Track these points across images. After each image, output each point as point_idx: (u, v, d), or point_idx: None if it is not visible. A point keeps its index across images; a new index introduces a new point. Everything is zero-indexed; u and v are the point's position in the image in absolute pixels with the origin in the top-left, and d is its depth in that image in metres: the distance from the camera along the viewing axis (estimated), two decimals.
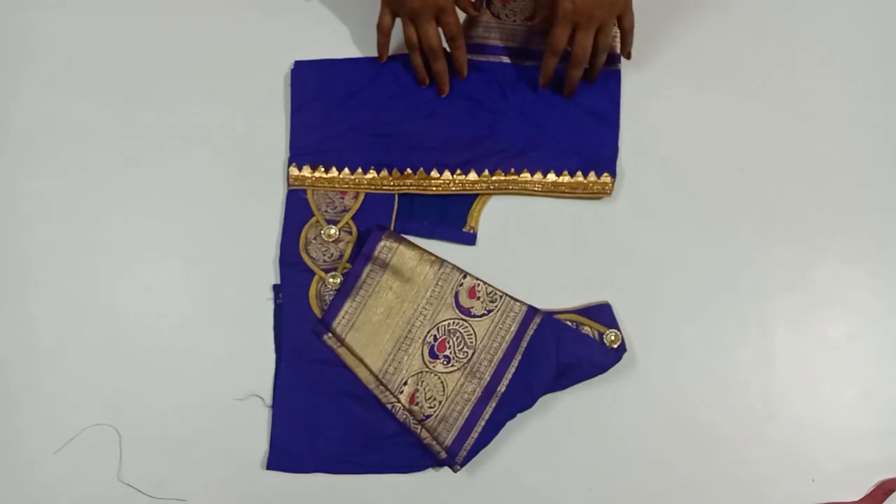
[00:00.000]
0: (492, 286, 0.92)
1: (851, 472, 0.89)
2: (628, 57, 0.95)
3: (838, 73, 0.99)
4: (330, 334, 0.92)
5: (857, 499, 0.88)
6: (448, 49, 0.96)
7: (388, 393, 0.90)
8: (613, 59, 0.98)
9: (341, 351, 0.92)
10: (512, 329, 0.90)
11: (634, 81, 0.98)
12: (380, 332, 0.91)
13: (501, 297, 0.92)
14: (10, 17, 1.02)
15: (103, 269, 0.95)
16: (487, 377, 0.89)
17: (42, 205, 0.96)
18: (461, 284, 0.92)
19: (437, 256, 0.93)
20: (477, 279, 0.92)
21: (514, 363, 0.89)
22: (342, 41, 1.00)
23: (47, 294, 0.94)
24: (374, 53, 0.98)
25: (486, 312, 0.91)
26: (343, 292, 0.92)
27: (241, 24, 1.01)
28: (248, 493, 0.90)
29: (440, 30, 0.93)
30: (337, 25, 1.01)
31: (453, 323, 0.91)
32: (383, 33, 0.95)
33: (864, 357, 0.92)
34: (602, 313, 0.92)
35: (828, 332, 0.92)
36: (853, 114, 0.98)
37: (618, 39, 0.95)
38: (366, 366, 0.91)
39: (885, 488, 0.87)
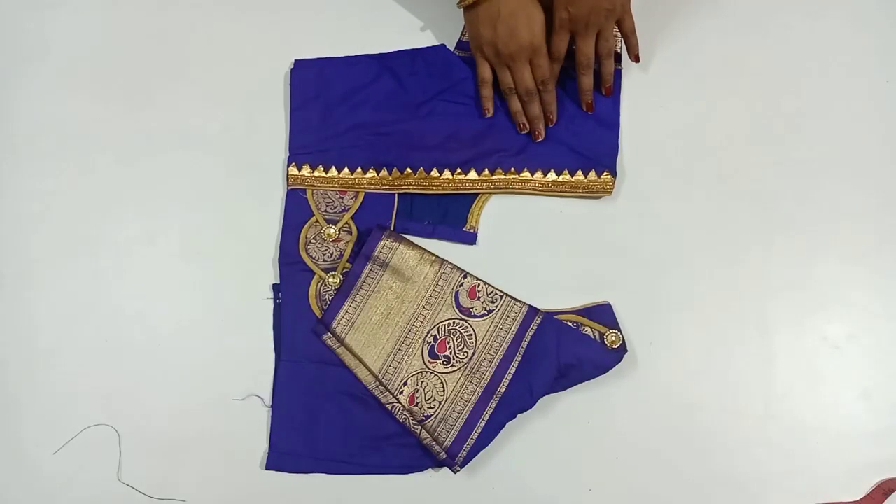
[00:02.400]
0: (492, 286, 0.92)
1: (851, 472, 0.88)
2: (637, 60, 0.96)
3: (838, 72, 0.99)
4: (329, 334, 0.92)
5: (857, 499, 0.88)
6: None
7: (387, 393, 0.90)
8: (615, 59, 0.98)
9: (340, 351, 0.92)
10: (512, 330, 0.90)
11: (636, 80, 0.98)
12: (379, 332, 0.91)
13: (502, 297, 0.91)
14: (10, 18, 1.02)
15: (103, 269, 0.95)
16: (488, 378, 0.89)
17: (42, 205, 0.96)
18: (461, 284, 0.92)
19: (437, 256, 0.93)
20: (477, 279, 0.92)
21: (515, 364, 0.89)
22: (342, 40, 0.99)
23: (47, 294, 0.94)
24: (373, 51, 0.98)
25: (486, 313, 0.91)
26: (343, 292, 0.92)
27: (241, 24, 1.01)
28: (247, 493, 0.90)
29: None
30: (337, 24, 1.00)
31: (453, 323, 0.91)
32: (486, 85, 0.95)
33: (864, 357, 0.92)
34: (603, 313, 0.92)
35: (828, 332, 0.92)
36: (853, 113, 0.97)
37: (622, 43, 0.96)
38: (365, 366, 0.91)
39: (885, 488, 0.87)
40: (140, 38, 1.01)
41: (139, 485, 0.89)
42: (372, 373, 0.90)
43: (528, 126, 0.96)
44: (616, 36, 0.96)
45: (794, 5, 1.01)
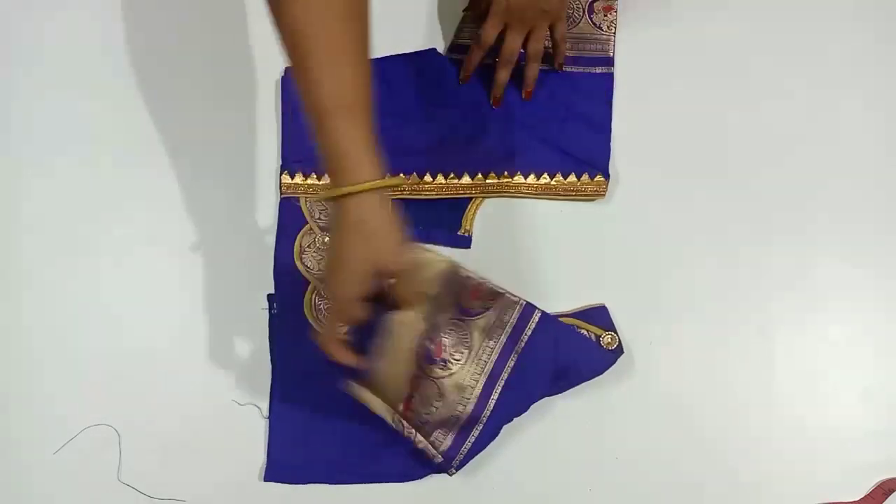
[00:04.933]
0: (493, 285, 0.90)
1: (851, 472, 0.88)
2: (560, 68, 0.97)
3: (838, 72, 0.99)
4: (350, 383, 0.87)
5: (857, 499, 0.87)
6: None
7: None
8: (607, 62, 0.99)
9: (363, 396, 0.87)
10: (507, 328, 0.89)
11: (630, 80, 0.99)
12: (398, 371, 0.87)
13: (501, 293, 0.90)
14: (9, 18, 1.03)
15: (103, 269, 0.95)
16: (483, 381, 0.88)
17: (42, 205, 0.97)
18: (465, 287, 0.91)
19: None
20: (481, 279, 0.90)
21: (510, 364, 0.88)
22: None
23: (47, 294, 0.94)
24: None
25: (483, 310, 0.90)
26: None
27: (242, 24, 1.02)
28: (247, 492, 0.89)
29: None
30: None
31: (451, 324, 0.90)
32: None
33: (864, 357, 0.91)
34: (599, 316, 0.92)
35: (828, 332, 0.92)
36: (853, 113, 0.98)
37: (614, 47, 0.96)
38: (383, 404, 0.87)
39: (885, 488, 0.87)
40: (137, 41, 1.02)
41: (139, 485, 0.89)
42: (390, 409, 0.87)
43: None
44: (602, 40, 0.97)
45: (794, 5, 1.01)
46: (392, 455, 0.89)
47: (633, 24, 0.97)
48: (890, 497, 0.87)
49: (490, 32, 0.92)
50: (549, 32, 0.94)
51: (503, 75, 0.95)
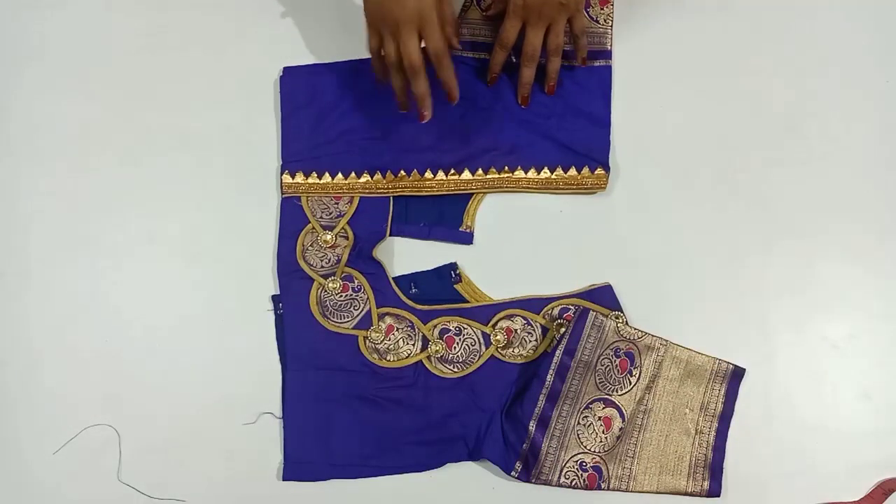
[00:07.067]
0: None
1: (851, 472, 0.88)
2: (583, 63, 0.97)
3: (838, 71, 0.99)
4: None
5: (857, 499, 0.87)
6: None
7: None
8: (605, 55, 0.99)
9: None
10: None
11: (632, 75, 0.99)
12: None
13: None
14: (9, 17, 1.03)
15: (103, 268, 0.95)
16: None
17: (42, 205, 0.97)
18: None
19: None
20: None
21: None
22: (336, 45, 1.00)
23: (47, 294, 0.94)
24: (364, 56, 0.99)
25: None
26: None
27: (243, 24, 1.02)
28: (248, 492, 0.90)
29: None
30: (332, 29, 1.01)
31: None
32: (375, 56, 0.91)
33: (864, 357, 0.91)
34: (604, 295, 0.92)
35: (828, 332, 0.92)
36: (853, 113, 0.98)
37: (611, 40, 0.96)
38: None
39: (885, 488, 0.87)
40: (138, 41, 1.02)
41: (139, 485, 0.89)
42: None
43: (408, 106, 0.92)
44: (598, 33, 0.97)
45: (794, 4, 1.01)
46: (410, 444, 0.89)
47: (630, 16, 0.96)
48: (890, 497, 0.87)
49: (511, 31, 0.92)
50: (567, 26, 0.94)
51: (528, 74, 0.95)
